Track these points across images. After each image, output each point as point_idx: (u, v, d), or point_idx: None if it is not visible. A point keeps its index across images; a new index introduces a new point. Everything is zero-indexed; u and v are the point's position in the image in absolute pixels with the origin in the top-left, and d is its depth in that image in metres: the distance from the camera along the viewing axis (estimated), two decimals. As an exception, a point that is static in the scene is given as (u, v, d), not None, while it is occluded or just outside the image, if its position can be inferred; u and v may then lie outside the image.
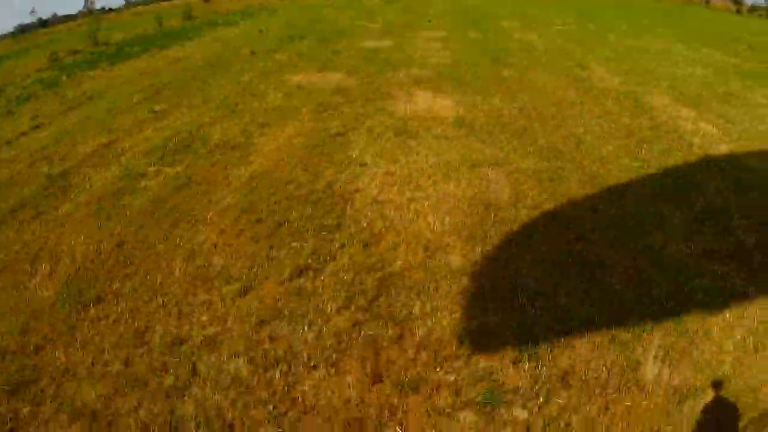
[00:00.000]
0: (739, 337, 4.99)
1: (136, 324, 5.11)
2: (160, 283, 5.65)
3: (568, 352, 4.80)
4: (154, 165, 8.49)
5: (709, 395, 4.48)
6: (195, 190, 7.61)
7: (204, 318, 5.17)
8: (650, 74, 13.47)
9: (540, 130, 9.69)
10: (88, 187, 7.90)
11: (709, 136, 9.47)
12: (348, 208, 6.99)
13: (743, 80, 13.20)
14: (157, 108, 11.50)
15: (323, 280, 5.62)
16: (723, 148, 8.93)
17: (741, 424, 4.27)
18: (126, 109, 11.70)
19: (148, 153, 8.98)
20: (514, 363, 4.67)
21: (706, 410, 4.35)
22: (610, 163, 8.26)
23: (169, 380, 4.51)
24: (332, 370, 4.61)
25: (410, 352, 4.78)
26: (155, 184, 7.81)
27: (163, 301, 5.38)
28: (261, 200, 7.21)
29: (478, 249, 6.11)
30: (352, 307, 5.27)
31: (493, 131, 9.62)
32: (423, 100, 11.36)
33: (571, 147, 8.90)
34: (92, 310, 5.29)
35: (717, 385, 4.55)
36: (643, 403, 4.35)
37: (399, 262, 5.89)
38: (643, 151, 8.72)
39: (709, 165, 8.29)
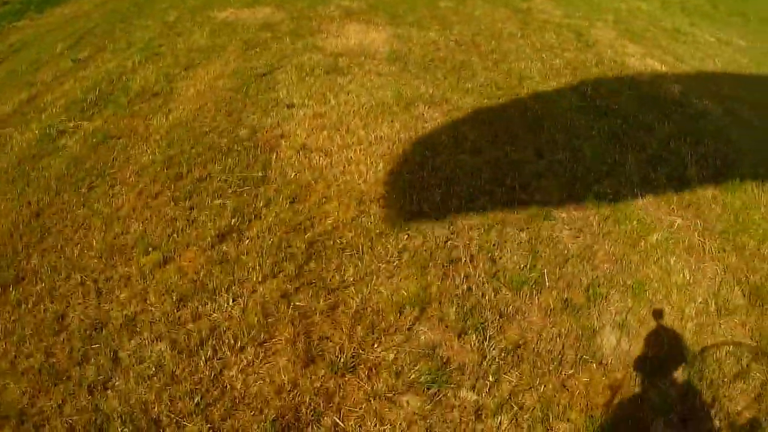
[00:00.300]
0: (700, 299, 4.73)
1: (55, 306, 4.58)
2: (77, 256, 5.09)
3: (518, 320, 4.46)
4: (73, 120, 7.72)
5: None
6: (113, 146, 6.93)
7: (123, 295, 4.66)
8: (594, 7, 13.14)
9: (479, 64, 9.23)
10: (8, 150, 7.13)
11: (659, 75, 9.20)
12: (274, 157, 6.44)
13: (690, 17, 13.05)
14: (80, 56, 10.55)
15: (247, 245, 5.13)
16: (674, 88, 8.67)
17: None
18: (49, 59, 10.72)
19: (68, 107, 8.18)
20: (459, 336, 4.30)
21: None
22: (555, 102, 7.90)
23: (90, 372, 4.04)
24: (261, 352, 4.18)
25: (345, 326, 4.36)
26: (74, 143, 7.09)
27: (81, 278, 4.84)
28: (182, 153, 6.59)
29: (416, 201, 5.67)
30: (280, 275, 4.81)
31: (429, 66, 9.11)
32: (355, 34, 10.73)
33: (513, 83, 8.48)
34: (12, 293, 4.74)
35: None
36: (603, 379, 4.05)
37: (329, 220, 5.42)
38: (589, 90, 8.35)
39: (661, 106, 8.04)
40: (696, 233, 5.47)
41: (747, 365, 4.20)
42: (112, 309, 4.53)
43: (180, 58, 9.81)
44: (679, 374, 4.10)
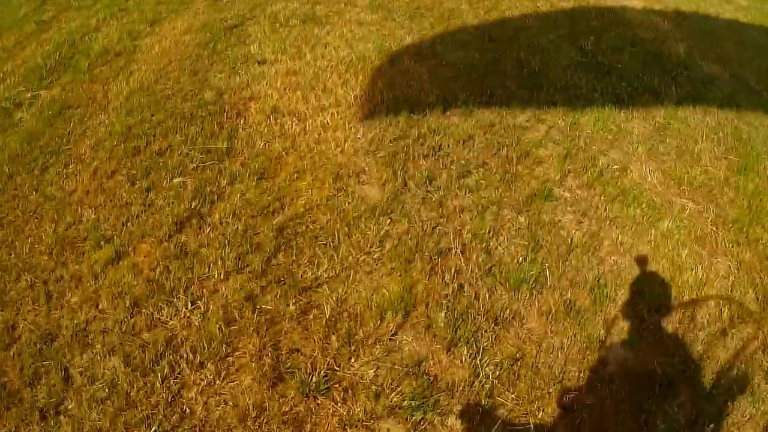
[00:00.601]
0: (713, 303, 4.26)
1: (5, 314, 4.05)
2: (28, 252, 4.52)
3: (515, 327, 3.93)
4: (32, 90, 7.06)
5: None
6: (70, 117, 6.29)
7: (74, 300, 4.10)
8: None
9: (470, 13, 8.55)
10: (-34, 130, 6.57)
11: (663, 31, 8.67)
12: (241, 123, 5.82)
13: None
14: (44, 17, 9.77)
15: (209, 234, 4.54)
16: (679, 47, 8.20)
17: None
18: (13, 24, 9.92)
19: (27, 75, 7.50)
20: (448, 348, 3.75)
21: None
22: (553, 57, 7.36)
23: (42, 393, 3.54)
24: (222, 369, 3.64)
25: (317, 336, 3.80)
26: (30, 116, 6.44)
27: (31, 279, 4.28)
28: (141, 122, 5.96)
29: (400, 176, 5.10)
30: (245, 272, 4.23)
31: (414, 15, 8.42)
32: (334, -22, 9.96)
33: (508, 35, 7.86)
34: (-37, 299, 4.21)
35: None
36: (607, 402, 3.56)
37: (302, 201, 4.84)
38: (590, 44, 7.81)
39: (666, 66, 7.57)
40: (708, 221, 5.04)
41: (758, 385, 3.79)
42: (62, 317, 4.00)
43: (146, 13, 9.08)
44: (688, 395, 3.66)
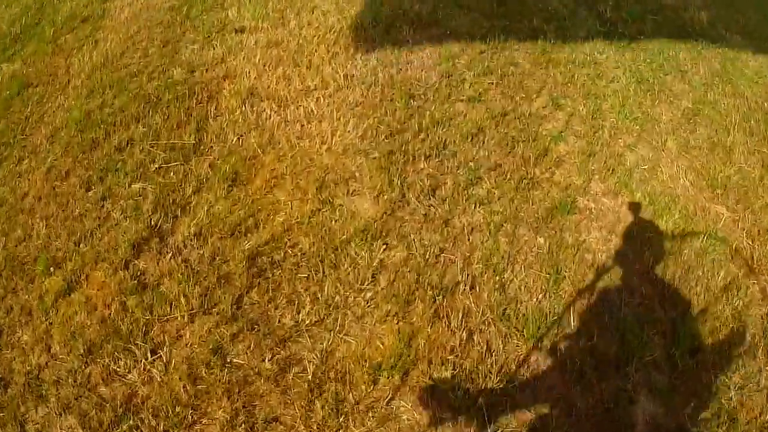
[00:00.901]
0: (749, 339, 3.85)
1: None
2: None
3: (532, 387, 3.40)
4: (-7, 64, 6.50)
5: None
6: (29, 98, 5.64)
7: (25, 338, 3.56)
8: None
9: None
10: None
11: None
12: (212, 109, 5.19)
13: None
14: None
15: (170, 261, 3.91)
16: (701, 16, 7.75)
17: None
18: None
19: (-10, 46, 6.94)
20: (454, 419, 3.20)
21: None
22: (570, 26, 6.88)
23: None
24: (190, 440, 3.07)
25: (299, 402, 3.22)
26: (-11, 97, 5.88)
27: None
28: (102, 106, 5.31)
29: (397, 184, 4.50)
30: (212, 313, 3.63)
31: (413, -24, 7.75)
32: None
33: None
34: None
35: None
36: None
37: (280, 217, 4.21)
38: (608, 12, 7.27)
39: (690, 39, 7.18)
40: (744, 232, 4.66)
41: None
42: (14, 359, 3.49)
43: (120, -30, 8.32)
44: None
